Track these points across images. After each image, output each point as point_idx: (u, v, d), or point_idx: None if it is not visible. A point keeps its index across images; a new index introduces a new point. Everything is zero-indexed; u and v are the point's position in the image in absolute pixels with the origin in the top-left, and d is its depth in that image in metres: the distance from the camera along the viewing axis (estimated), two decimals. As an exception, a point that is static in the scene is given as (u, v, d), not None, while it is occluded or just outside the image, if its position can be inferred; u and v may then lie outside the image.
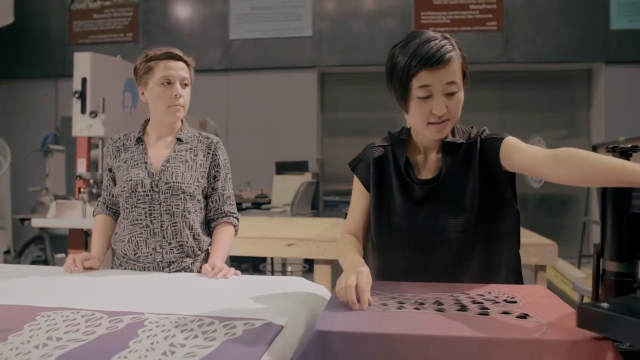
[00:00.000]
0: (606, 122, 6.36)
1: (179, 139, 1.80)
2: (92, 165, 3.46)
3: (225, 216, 1.85)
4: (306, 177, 6.20)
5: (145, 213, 1.73)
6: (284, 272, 5.30)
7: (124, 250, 1.76)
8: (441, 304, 1.17)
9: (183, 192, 1.74)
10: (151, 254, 1.73)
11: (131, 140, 1.82)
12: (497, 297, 1.23)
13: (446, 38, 1.34)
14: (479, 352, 0.94)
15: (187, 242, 1.75)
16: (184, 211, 1.74)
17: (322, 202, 6.29)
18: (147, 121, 1.86)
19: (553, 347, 0.93)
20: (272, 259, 5.07)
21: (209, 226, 1.86)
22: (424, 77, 1.29)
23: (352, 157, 1.59)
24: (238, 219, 1.88)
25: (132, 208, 1.74)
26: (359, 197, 1.53)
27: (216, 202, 1.84)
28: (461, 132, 1.44)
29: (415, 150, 1.47)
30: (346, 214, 1.65)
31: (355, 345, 0.97)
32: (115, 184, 1.84)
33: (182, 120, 1.84)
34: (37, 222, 3.40)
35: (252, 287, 1.49)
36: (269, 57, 6.81)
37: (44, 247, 4.18)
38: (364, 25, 6.77)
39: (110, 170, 1.84)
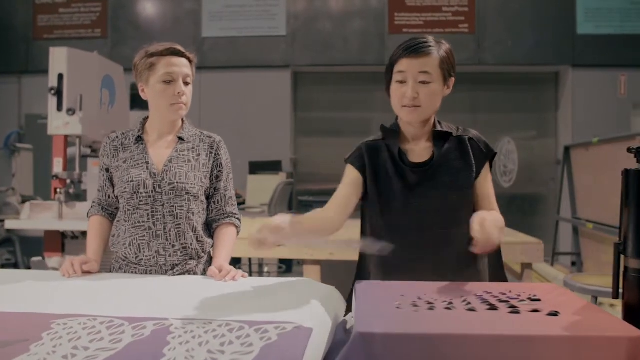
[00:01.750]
0: (573, 123, 6.55)
1: (180, 138, 1.75)
2: (69, 164, 3.34)
3: (228, 217, 1.81)
4: (281, 177, 6.16)
5: (148, 215, 1.67)
6: (260, 273, 5.25)
7: (125, 253, 1.69)
8: (469, 302, 1.18)
9: (187, 193, 1.68)
10: (154, 257, 1.67)
11: (130, 139, 1.75)
12: (519, 296, 1.24)
13: (438, 42, 1.52)
14: (523, 350, 0.95)
15: (190, 245, 1.70)
16: (188, 212, 1.69)
17: (296, 202, 6.25)
18: (145, 119, 1.79)
19: (597, 343, 0.94)
20: (249, 259, 5.01)
21: (209, 227, 1.81)
22: (402, 64, 1.49)
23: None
24: (240, 220, 1.84)
25: (133, 210, 1.67)
26: (347, 183, 1.62)
27: (218, 202, 1.79)
28: (447, 127, 1.62)
29: (405, 140, 1.61)
30: None
31: (398, 346, 0.96)
32: (112, 185, 1.76)
33: (182, 119, 1.79)
34: (11, 224, 3.26)
35: (265, 290, 1.46)
36: (242, 55, 6.73)
37: (13, 250, 4.01)
38: (338, 25, 6.77)
39: (107, 170, 1.76)
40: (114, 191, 1.76)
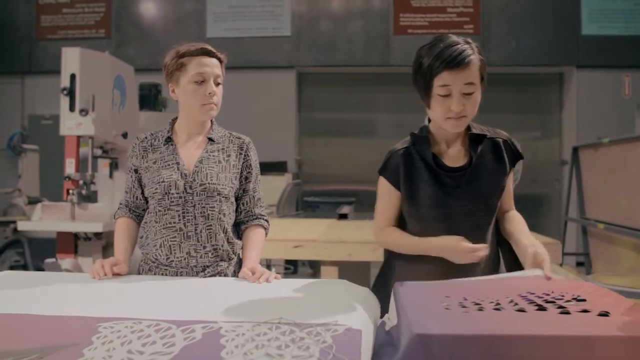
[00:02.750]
0: (577, 124, 6.56)
1: (210, 139, 1.73)
2: (82, 165, 3.31)
3: (256, 218, 1.80)
4: (287, 178, 6.16)
5: (179, 216, 1.65)
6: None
7: (156, 255, 1.68)
8: (516, 303, 1.16)
9: (219, 194, 1.67)
10: (185, 259, 1.65)
11: (159, 140, 1.73)
12: (563, 296, 1.24)
13: (468, 43, 1.48)
14: (582, 351, 0.94)
15: (222, 246, 1.69)
16: (219, 213, 1.67)
17: (302, 203, 6.24)
18: (174, 120, 1.78)
19: None
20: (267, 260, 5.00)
21: (238, 229, 1.79)
22: (444, 77, 1.44)
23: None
24: (268, 222, 1.83)
25: (164, 211, 1.66)
26: (387, 196, 1.64)
27: (247, 204, 1.78)
28: (480, 129, 1.61)
29: (436, 144, 1.59)
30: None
31: (457, 347, 0.95)
32: (140, 186, 1.74)
33: (212, 120, 1.77)
34: (23, 225, 3.24)
35: (302, 291, 1.45)
36: (247, 56, 6.72)
37: (22, 252, 3.98)
38: (343, 26, 6.77)
39: (136, 171, 1.74)
40: (142, 192, 1.74)
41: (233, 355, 0.93)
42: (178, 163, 1.68)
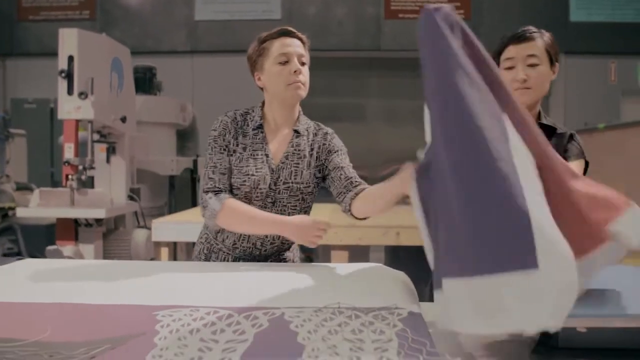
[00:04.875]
0: (565, 110, 6.65)
1: (296, 131, 1.66)
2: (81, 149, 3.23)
3: (362, 183, 1.61)
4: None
5: (258, 208, 1.59)
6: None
7: (223, 236, 1.64)
8: None
9: (301, 193, 1.62)
10: (250, 249, 1.64)
11: (249, 125, 1.64)
12: None
13: (540, 31, 1.62)
14: None
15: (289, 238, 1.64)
16: (295, 209, 1.63)
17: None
18: (263, 104, 1.69)
19: None
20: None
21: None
22: (509, 51, 1.58)
23: None
24: None
25: (246, 201, 1.59)
26: None
27: (348, 174, 1.60)
28: (551, 122, 1.66)
29: None
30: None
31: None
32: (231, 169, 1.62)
33: (299, 112, 1.69)
34: (22, 212, 3.15)
35: (343, 275, 1.43)
36: (237, 39, 6.59)
37: (15, 239, 3.87)
38: (334, 9, 6.70)
39: (228, 149, 1.61)
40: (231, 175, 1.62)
41: (311, 341, 0.92)
42: (267, 155, 1.61)
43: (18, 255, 3.79)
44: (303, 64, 1.61)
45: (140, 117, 4.12)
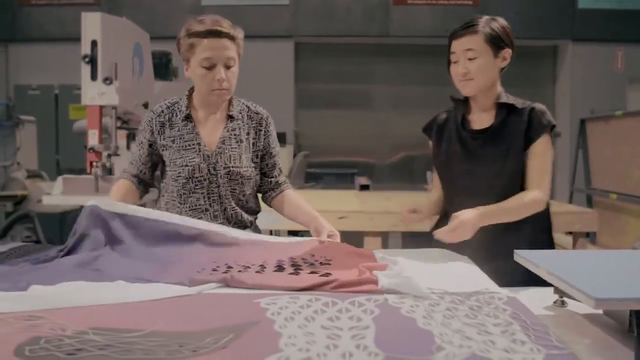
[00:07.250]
0: (571, 97, 6.67)
1: (230, 116, 1.70)
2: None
3: (284, 184, 1.83)
4: (288, 150, 6.10)
5: (204, 197, 1.66)
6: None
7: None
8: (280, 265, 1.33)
9: (242, 177, 1.67)
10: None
11: (177, 116, 1.69)
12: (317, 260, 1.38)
13: (490, 19, 1.63)
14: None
15: (246, 220, 1.73)
16: (241, 193, 1.70)
17: (304, 174, 6.20)
18: (190, 91, 1.72)
19: None
20: (270, 231, 4.95)
21: (256, 197, 1.81)
22: (452, 46, 1.65)
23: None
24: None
25: (189, 193, 1.66)
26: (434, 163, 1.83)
27: (276, 176, 1.81)
28: (514, 100, 1.69)
29: (472, 111, 1.74)
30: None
31: None
32: (150, 161, 1.72)
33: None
34: (48, 200, 3.10)
35: (422, 262, 1.43)
36: (244, 25, 6.42)
37: (33, 227, 3.83)
38: (341, -5, 6.64)
39: (150, 146, 1.70)
40: (150, 167, 1.73)
41: (432, 327, 0.91)
42: (199, 144, 1.66)
43: (37, 242, 3.75)
44: (229, 67, 1.61)
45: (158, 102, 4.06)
